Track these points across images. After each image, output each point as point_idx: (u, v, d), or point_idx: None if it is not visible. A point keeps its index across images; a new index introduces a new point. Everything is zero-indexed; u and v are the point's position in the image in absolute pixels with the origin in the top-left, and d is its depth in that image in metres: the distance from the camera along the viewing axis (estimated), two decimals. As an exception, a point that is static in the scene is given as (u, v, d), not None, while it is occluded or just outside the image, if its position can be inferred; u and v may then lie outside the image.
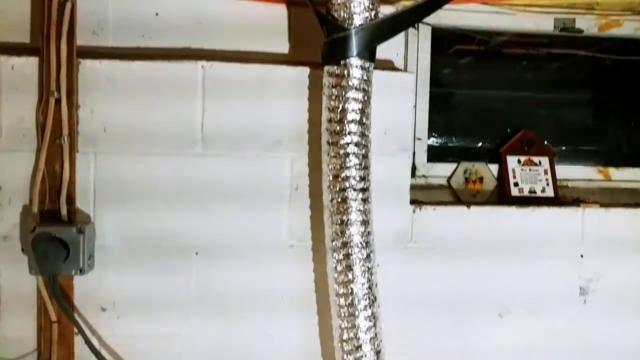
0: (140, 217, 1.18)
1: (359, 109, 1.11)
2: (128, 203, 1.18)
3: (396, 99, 1.23)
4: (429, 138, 1.43)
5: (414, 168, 1.39)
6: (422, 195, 1.35)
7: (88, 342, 1.12)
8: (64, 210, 1.12)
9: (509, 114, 1.50)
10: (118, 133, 1.16)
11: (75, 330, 1.17)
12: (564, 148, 1.50)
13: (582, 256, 1.32)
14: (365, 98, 1.12)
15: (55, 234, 1.08)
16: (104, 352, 1.17)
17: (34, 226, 1.09)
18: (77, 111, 1.15)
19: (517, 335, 1.30)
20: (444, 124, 1.47)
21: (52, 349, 1.14)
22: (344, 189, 1.12)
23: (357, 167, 1.12)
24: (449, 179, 1.42)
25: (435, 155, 1.44)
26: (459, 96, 1.51)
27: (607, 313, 1.32)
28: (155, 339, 1.20)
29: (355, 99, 1.10)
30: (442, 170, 1.42)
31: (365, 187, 1.14)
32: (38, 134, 1.13)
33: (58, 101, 1.12)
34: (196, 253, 1.21)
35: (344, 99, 1.10)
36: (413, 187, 1.29)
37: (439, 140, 1.47)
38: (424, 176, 1.41)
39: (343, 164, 1.12)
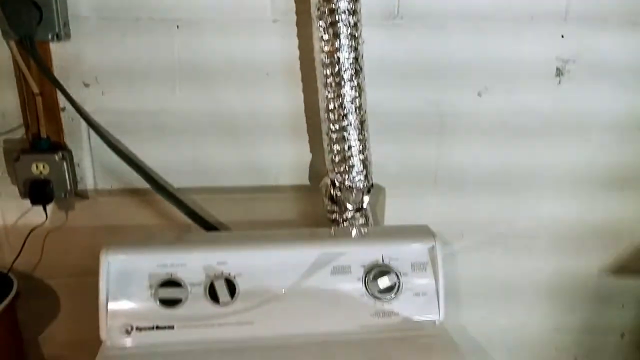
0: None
1: None
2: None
3: None
4: None
5: (401, -57, 1.32)
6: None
7: (77, 109, 1.12)
8: (29, -28, 1.04)
9: None
10: None
11: (61, 105, 1.17)
12: None
13: (562, 36, 1.33)
14: None
15: (25, -6, 1.02)
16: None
17: (-1, -15, 1.02)
18: None
19: (493, 113, 1.35)
20: None
21: (40, 122, 1.14)
22: (330, -50, 1.07)
23: None
24: (437, -43, 1.35)
25: None
26: None
27: (579, 92, 1.37)
28: (143, 113, 1.21)
29: None
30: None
31: (353, -52, 1.08)
32: None
33: None
34: (177, 27, 1.17)
35: None
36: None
37: None
38: (411, -47, 1.34)
39: None
